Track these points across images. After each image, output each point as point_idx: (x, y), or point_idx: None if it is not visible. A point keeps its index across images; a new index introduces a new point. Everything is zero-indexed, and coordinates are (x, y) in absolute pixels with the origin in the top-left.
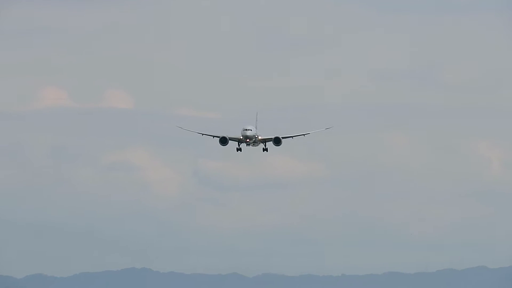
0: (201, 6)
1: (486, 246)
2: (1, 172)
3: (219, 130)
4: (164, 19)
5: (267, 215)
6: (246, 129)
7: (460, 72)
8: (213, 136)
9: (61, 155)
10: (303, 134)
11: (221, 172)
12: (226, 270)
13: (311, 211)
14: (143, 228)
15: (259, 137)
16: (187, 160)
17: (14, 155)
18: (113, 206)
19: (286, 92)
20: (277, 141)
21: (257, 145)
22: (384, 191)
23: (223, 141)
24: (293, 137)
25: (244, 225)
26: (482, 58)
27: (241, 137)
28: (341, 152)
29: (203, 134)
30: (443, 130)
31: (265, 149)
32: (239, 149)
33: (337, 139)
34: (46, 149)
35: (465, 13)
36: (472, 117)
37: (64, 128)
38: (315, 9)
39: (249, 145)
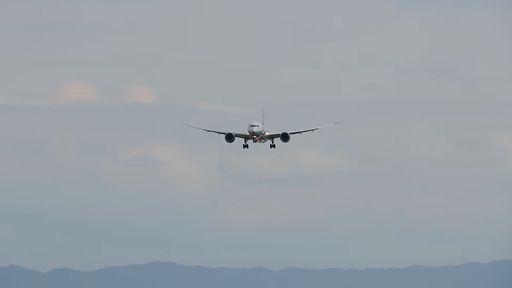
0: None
1: (511, 240)
2: (27, 167)
3: (241, 124)
4: (187, 14)
5: (292, 209)
6: (253, 125)
7: (481, 65)
8: (219, 133)
9: (86, 150)
10: (312, 130)
11: (247, 166)
12: (251, 264)
13: (336, 205)
14: (168, 223)
15: (266, 133)
16: (212, 154)
17: (40, 150)
18: (138, 201)
19: (306, 85)
20: (284, 137)
21: (264, 141)
22: (409, 184)
23: (229, 137)
24: (301, 133)
25: (269, 219)
26: (503, 51)
27: (248, 134)
28: (365, 146)
29: (208, 131)
30: (464, 123)
31: (272, 145)
32: (245, 146)
33: (361, 132)
34: (72, 143)
35: (486, 6)
36: (493, 110)
37: (89, 122)
38: (334, 2)
39: (255, 141)
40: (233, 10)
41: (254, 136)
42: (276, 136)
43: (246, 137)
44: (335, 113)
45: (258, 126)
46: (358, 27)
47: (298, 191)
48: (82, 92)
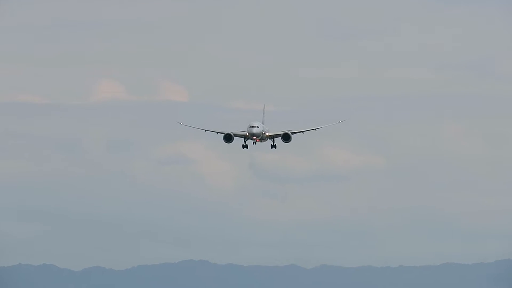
0: None
1: None
2: (58, 166)
3: (273, 122)
4: (217, 11)
5: (324, 207)
6: (252, 126)
7: None
8: (217, 133)
9: (118, 148)
10: (315, 129)
11: (279, 164)
12: (284, 262)
13: (369, 202)
14: (201, 221)
15: (267, 134)
16: (243, 152)
17: (71, 149)
18: (170, 199)
19: (336, 82)
20: (286, 137)
21: (265, 141)
22: (441, 181)
23: (228, 138)
24: (304, 132)
25: (301, 216)
26: None
27: (247, 134)
28: (397, 143)
29: (206, 130)
30: (499, 121)
31: (273, 146)
32: (245, 146)
33: (392, 129)
34: (103, 142)
35: None
36: None
37: (120, 121)
38: None
39: (255, 142)
40: (265, 7)
41: (254, 137)
42: (277, 136)
43: (245, 137)
44: (366, 110)
45: (258, 126)
46: (388, 24)
47: (331, 189)
48: (113, 91)
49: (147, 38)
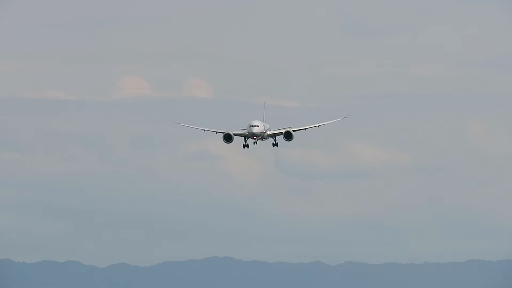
0: None
1: None
2: (84, 163)
3: (298, 119)
4: (241, 7)
5: (349, 203)
6: (252, 126)
7: None
8: (216, 132)
9: (142, 145)
10: (317, 125)
11: (303, 160)
12: (309, 259)
13: (394, 199)
14: (225, 217)
15: (268, 132)
16: (268, 148)
17: (97, 145)
18: (195, 195)
19: (363, 79)
20: (287, 135)
21: (266, 140)
22: (466, 178)
23: (228, 138)
24: (306, 129)
25: (326, 213)
26: None
27: (248, 134)
28: (422, 140)
29: (204, 130)
30: None
31: (275, 144)
32: (245, 146)
33: (417, 126)
34: (128, 139)
35: None
36: None
37: (145, 117)
38: None
39: (256, 142)
40: (292, 2)
41: (255, 137)
42: (279, 134)
43: (246, 137)
44: (391, 106)
45: (258, 126)
46: (411, 20)
47: (355, 185)
48: (138, 87)
49: (172, 34)
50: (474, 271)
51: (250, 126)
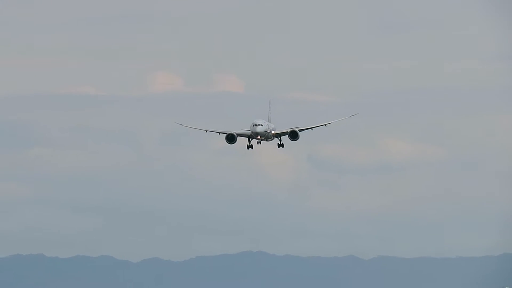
0: None
1: None
2: (115, 158)
3: (329, 113)
4: (272, 4)
5: (382, 198)
6: (256, 125)
7: None
8: (219, 133)
9: (174, 140)
10: (325, 124)
11: (336, 155)
12: (342, 253)
13: (427, 193)
14: (259, 212)
15: (273, 132)
16: (301, 143)
17: (129, 141)
18: (228, 190)
19: (399, 73)
20: (293, 135)
21: (271, 140)
22: (498, 172)
23: (231, 138)
24: (313, 128)
25: (359, 207)
26: None
27: (251, 133)
28: (455, 134)
29: (207, 131)
30: None
31: (280, 145)
32: (249, 147)
33: (451, 121)
34: (159, 134)
35: None
36: None
37: (176, 112)
38: None
39: (259, 142)
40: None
41: (258, 137)
42: (284, 134)
43: (250, 137)
44: (423, 101)
45: (262, 125)
46: (442, 16)
47: (388, 180)
48: (170, 82)
49: (204, 30)
50: (508, 264)
51: (253, 125)
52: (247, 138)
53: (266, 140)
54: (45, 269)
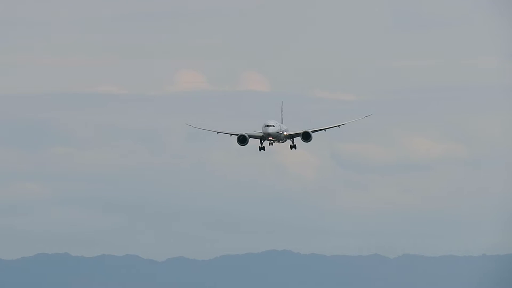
0: None
1: None
2: (141, 156)
3: (353, 112)
4: (301, 1)
5: (407, 196)
6: (267, 125)
7: None
8: (231, 134)
9: (199, 138)
10: (338, 125)
11: (360, 153)
12: (367, 251)
13: (450, 191)
14: (284, 210)
15: (285, 133)
16: (325, 141)
17: (153, 139)
18: (252, 189)
19: (424, 71)
20: (306, 136)
21: (284, 142)
22: None
23: (242, 140)
24: (326, 130)
25: (384, 206)
26: None
27: (263, 135)
28: (478, 132)
29: (218, 132)
30: None
31: (293, 146)
32: (261, 148)
33: (473, 118)
34: (183, 132)
35: None
36: None
37: (201, 111)
38: None
39: (271, 143)
40: None
41: (270, 138)
42: (297, 135)
43: (261, 138)
44: (446, 99)
45: (273, 126)
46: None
47: (412, 178)
48: (194, 81)
49: (228, 28)
50: None
51: (265, 126)
52: (259, 140)
53: (278, 142)
54: (70, 268)
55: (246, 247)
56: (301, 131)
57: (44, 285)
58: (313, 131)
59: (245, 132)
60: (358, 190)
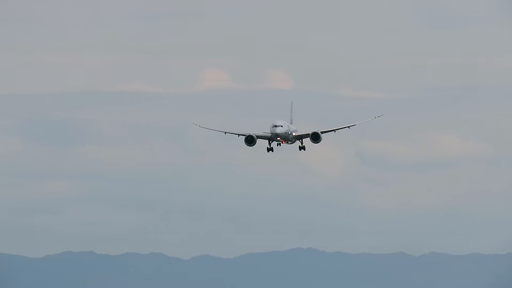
0: None
1: None
2: (166, 155)
3: (377, 110)
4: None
5: (432, 194)
6: (275, 126)
7: None
8: (238, 135)
9: (224, 137)
10: (348, 126)
11: (385, 151)
12: (392, 250)
13: (476, 189)
14: (309, 209)
15: (294, 134)
16: (350, 139)
17: (178, 138)
18: (277, 187)
19: (452, 69)
20: (315, 137)
21: (292, 143)
22: None
23: (250, 140)
24: (336, 131)
25: (409, 204)
26: None
27: (271, 135)
28: (504, 130)
29: (225, 133)
30: None
31: (302, 147)
32: (270, 149)
33: (499, 117)
34: (209, 130)
35: None
36: None
37: (225, 109)
38: None
39: (279, 144)
40: None
41: (278, 138)
42: (305, 136)
43: (270, 139)
44: (472, 98)
45: (282, 126)
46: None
47: (438, 176)
48: (219, 79)
49: (251, 26)
50: None
51: (273, 126)
52: (267, 140)
53: (287, 142)
54: (95, 266)
55: (271, 245)
56: (310, 132)
57: (69, 283)
58: (322, 132)
59: (253, 132)
60: (383, 188)
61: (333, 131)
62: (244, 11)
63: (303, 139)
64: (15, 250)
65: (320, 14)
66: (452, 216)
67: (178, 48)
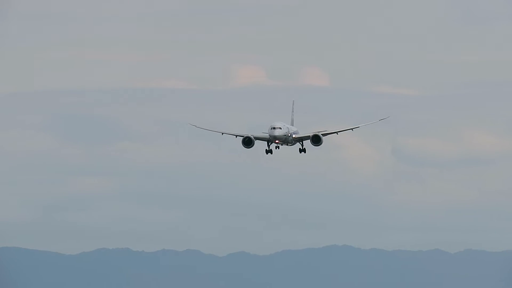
0: None
1: None
2: (200, 152)
3: (415, 107)
4: None
5: (468, 191)
6: (274, 128)
7: None
8: (236, 136)
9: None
10: (351, 129)
11: (421, 148)
12: (427, 246)
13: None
14: (344, 206)
15: (294, 136)
16: (386, 136)
17: (212, 135)
18: (312, 184)
19: (487, 66)
20: (316, 139)
21: (293, 145)
22: None
23: (248, 142)
24: (338, 133)
25: (445, 201)
26: None
27: (269, 137)
28: None
29: (223, 133)
30: None
31: (302, 150)
32: (268, 151)
33: None
34: (244, 127)
35: None
36: None
37: (260, 106)
38: None
39: (278, 147)
40: None
41: (277, 141)
42: (306, 138)
43: (268, 141)
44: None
45: (280, 128)
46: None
47: (474, 173)
48: (254, 76)
49: (288, 23)
50: None
51: (271, 128)
52: (266, 142)
53: (287, 145)
54: (131, 263)
55: (307, 242)
56: (311, 134)
57: (105, 280)
58: (324, 134)
59: (251, 134)
60: (419, 185)
61: (335, 133)
62: (280, 8)
63: (303, 141)
64: (50, 247)
65: (355, 12)
66: (488, 213)
67: (213, 44)
